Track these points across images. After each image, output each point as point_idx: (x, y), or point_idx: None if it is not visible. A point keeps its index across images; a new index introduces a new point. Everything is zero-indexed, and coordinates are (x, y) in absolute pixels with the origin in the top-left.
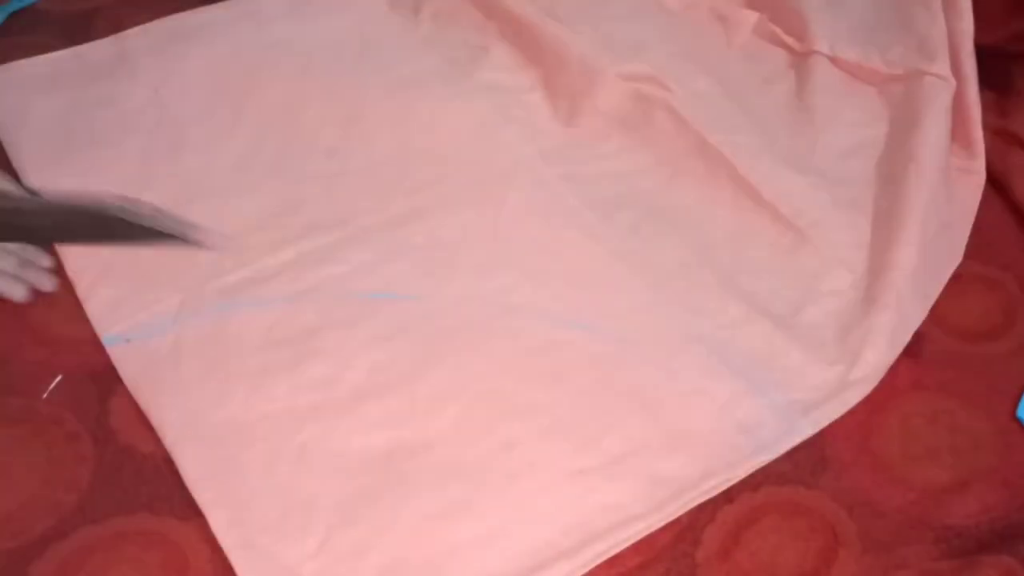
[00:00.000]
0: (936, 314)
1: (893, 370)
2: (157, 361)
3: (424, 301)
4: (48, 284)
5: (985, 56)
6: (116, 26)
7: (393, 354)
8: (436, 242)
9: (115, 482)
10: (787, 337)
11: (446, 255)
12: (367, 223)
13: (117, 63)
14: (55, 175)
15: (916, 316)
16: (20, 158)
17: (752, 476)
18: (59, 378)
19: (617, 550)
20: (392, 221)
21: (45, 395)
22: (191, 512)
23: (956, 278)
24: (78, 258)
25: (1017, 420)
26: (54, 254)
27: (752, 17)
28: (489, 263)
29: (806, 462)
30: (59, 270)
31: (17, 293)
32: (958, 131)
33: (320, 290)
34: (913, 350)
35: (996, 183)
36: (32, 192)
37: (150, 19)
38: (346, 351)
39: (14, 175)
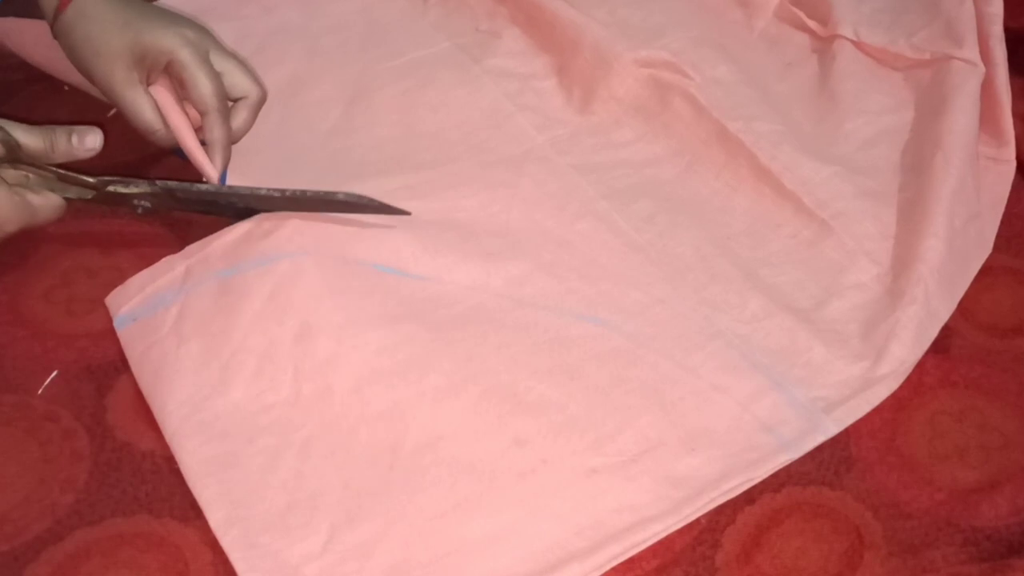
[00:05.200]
0: (964, 308)
1: (920, 366)
2: (160, 339)
3: (431, 283)
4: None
5: (1015, 40)
6: None
7: (399, 338)
8: (444, 222)
9: (113, 482)
10: (810, 332)
11: (454, 238)
12: (370, 188)
13: None
14: None
15: (944, 310)
16: None
17: (774, 476)
18: (55, 374)
19: (633, 552)
20: (397, 193)
21: (40, 391)
22: (192, 514)
23: (985, 271)
24: None
25: None
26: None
27: (774, 0)
28: (499, 252)
29: (830, 461)
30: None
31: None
32: (987, 118)
33: (322, 251)
34: (941, 345)
35: None
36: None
37: (152, 3)
38: (353, 328)
39: None
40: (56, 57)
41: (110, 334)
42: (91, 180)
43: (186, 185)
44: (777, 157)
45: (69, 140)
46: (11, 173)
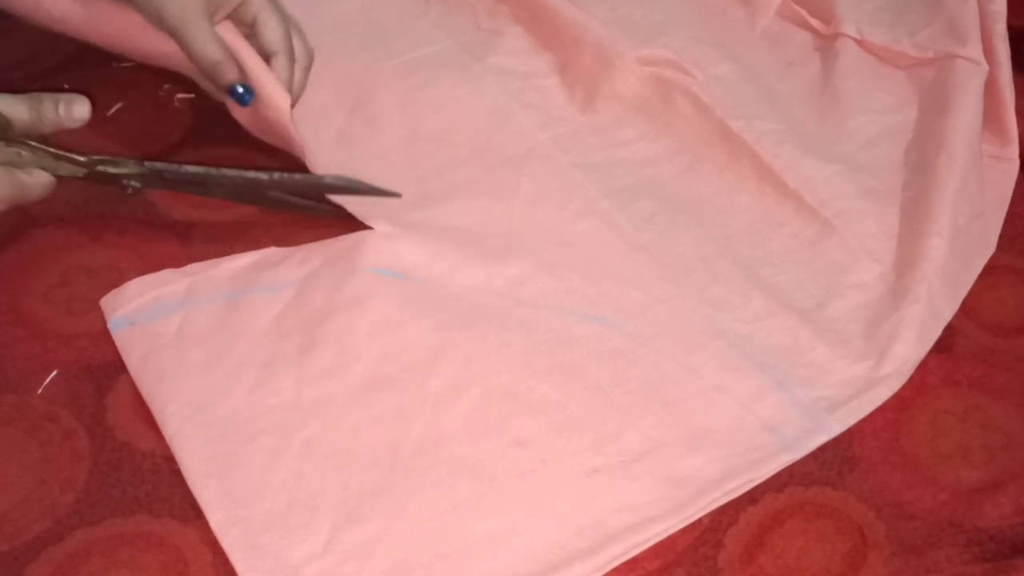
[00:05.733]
0: (968, 307)
1: (923, 366)
2: (161, 346)
3: (433, 287)
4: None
5: (1018, 39)
6: None
7: (401, 345)
8: (447, 227)
9: (113, 482)
10: (812, 331)
11: (456, 240)
12: (373, 202)
13: None
14: None
15: (947, 310)
16: None
17: (776, 476)
18: (54, 373)
19: (634, 553)
20: (402, 205)
21: (40, 391)
22: (192, 514)
23: (989, 270)
24: None
25: None
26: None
27: None
28: (501, 252)
29: (833, 461)
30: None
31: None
32: (990, 117)
33: (328, 267)
34: (944, 345)
35: None
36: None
37: None
38: (354, 338)
39: None
40: (68, 15)
41: (110, 334)
42: (82, 159)
43: (174, 166)
44: (779, 156)
45: (56, 110)
46: (2, 150)
